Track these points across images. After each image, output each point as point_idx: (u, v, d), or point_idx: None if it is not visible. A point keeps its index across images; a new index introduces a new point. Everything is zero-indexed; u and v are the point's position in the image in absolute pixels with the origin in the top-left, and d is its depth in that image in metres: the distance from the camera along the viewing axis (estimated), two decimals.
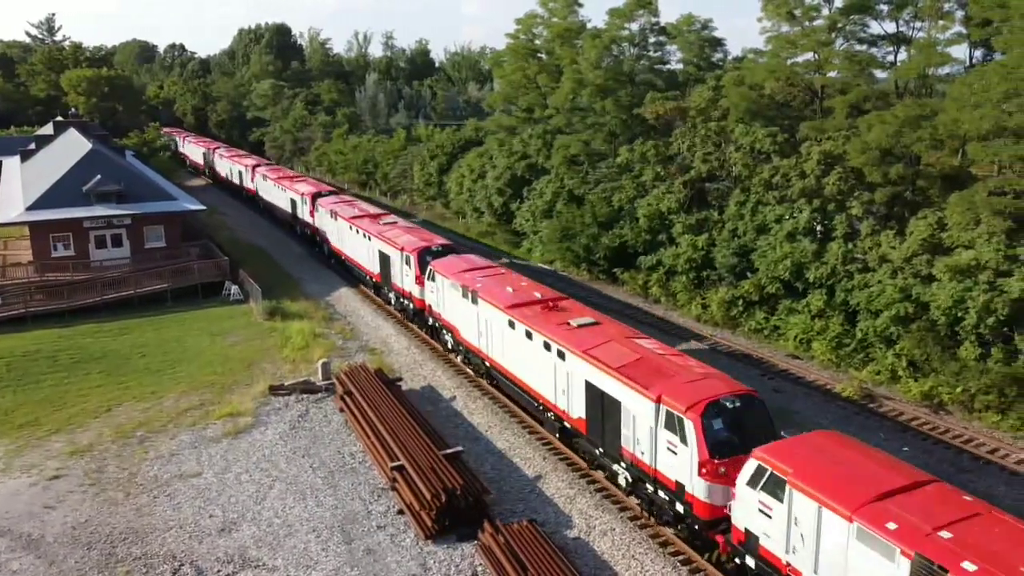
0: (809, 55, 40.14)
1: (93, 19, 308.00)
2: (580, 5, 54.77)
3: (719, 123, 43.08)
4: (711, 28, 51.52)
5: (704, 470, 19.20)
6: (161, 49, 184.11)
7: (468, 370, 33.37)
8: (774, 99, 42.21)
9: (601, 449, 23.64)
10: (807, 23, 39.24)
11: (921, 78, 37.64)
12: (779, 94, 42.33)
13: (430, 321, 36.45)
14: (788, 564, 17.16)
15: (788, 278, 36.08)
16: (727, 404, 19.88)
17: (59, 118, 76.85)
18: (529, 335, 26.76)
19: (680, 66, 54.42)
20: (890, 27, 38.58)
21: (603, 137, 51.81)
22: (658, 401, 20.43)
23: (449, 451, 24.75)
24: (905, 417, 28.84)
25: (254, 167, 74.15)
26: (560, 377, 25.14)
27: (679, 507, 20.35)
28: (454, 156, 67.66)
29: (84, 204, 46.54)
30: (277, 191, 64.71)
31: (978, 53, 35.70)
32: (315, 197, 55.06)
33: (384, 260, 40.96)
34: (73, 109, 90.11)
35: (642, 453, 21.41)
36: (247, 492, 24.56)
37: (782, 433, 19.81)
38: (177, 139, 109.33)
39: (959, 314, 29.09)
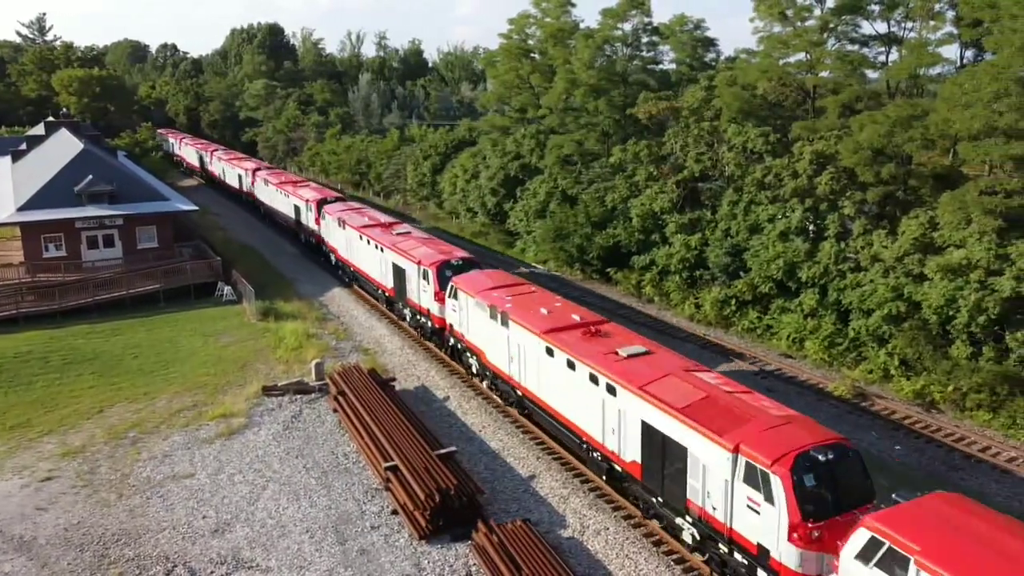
0: (801, 55, 40.35)
1: (84, 19, 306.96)
2: (573, 5, 54.94)
3: (712, 123, 43.20)
4: (703, 28, 51.89)
5: (795, 534, 16.78)
6: (153, 49, 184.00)
7: (496, 397, 30.61)
8: (766, 99, 42.39)
9: (660, 499, 20.97)
10: (799, 23, 39.42)
11: (912, 78, 37.84)
12: (771, 94, 42.51)
13: (451, 341, 33.69)
14: None
15: (781, 277, 36.20)
16: (819, 456, 17.27)
17: (50, 118, 76.62)
18: (571, 365, 24.02)
19: (673, 66, 54.72)
20: (881, 27, 38.85)
21: (596, 137, 51.93)
22: (736, 451, 17.91)
23: (443, 451, 24.74)
24: (897, 416, 28.98)
25: (254, 171, 71.04)
26: (610, 414, 22.45)
27: (761, 575, 18.02)
28: (447, 156, 67.66)
29: (76, 205, 46.40)
30: (280, 197, 61.74)
31: (969, 53, 35.90)
32: (321, 204, 52.19)
33: (398, 273, 38.15)
34: (64, 109, 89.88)
35: (714, 509, 18.86)
36: (240, 493, 24.51)
37: (895, 497, 16.90)
38: (174, 141, 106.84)
39: (951, 313, 29.24)
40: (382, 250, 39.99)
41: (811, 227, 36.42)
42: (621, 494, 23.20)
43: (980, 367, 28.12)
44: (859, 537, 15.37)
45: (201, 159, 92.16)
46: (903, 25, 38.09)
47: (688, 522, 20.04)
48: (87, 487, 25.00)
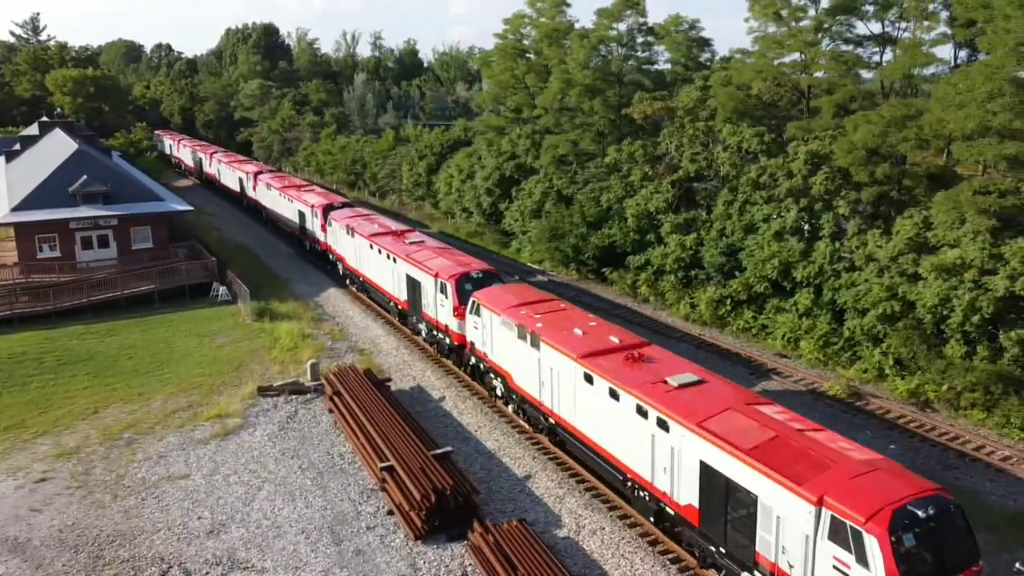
0: (796, 55, 40.42)
1: (78, 19, 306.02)
2: (568, 5, 54.97)
3: (707, 123, 43.27)
4: (698, 28, 51.95)
5: None
6: (147, 49, 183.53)
7: (523, 423, 28.43)
8: (761, 99, 42.44)
9: (722, 549, 18.79)
10: (794, 23, 39.49)
11: (907, 78, 37.98)
12: (766, 94, 42.57)
13: (472, 360, 31.64)
14: None
15: (776, 277, 36.28)
16: (919, 512, 15.34)
17: (44, 118, 76.36)
18: (615, 395, 21.94)
19: (668, 66, 54.75)
20: (876, 28, 38.99)
21: (591, 137, 51.94)
22: (819, 503, 15.89)
23: (439, 451, 24.75)
24: (892, 415, 29.05)
25: (256, 174, 68.60)
26: (661, 452, 20.34)
27: None
28: (443, 156, 67.65)
29: (70, 205, 46.28)
30: (283, 202, 59.34)
31: (963, 53, 36.07)
32: (327, 210, 50.02)
33: (413, 285, 36.08)
34: (59, 109, 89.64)
35: (790, 567, 16.72)
36: (236, 494, 24.47)
37: (1018, 567, 15.46)
38: (171, 142, 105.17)
39: (945, 312, 29.33)
40: (395, 260, 38.06)
41: (806, 227, 36.51)
42: (674, 540, 21.19)
43: (974, 366, 28.20)
44: None
45: (200, 162, 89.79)
46: (897, 25, 38.20)
47: None
48: (82, 488, 24.94)
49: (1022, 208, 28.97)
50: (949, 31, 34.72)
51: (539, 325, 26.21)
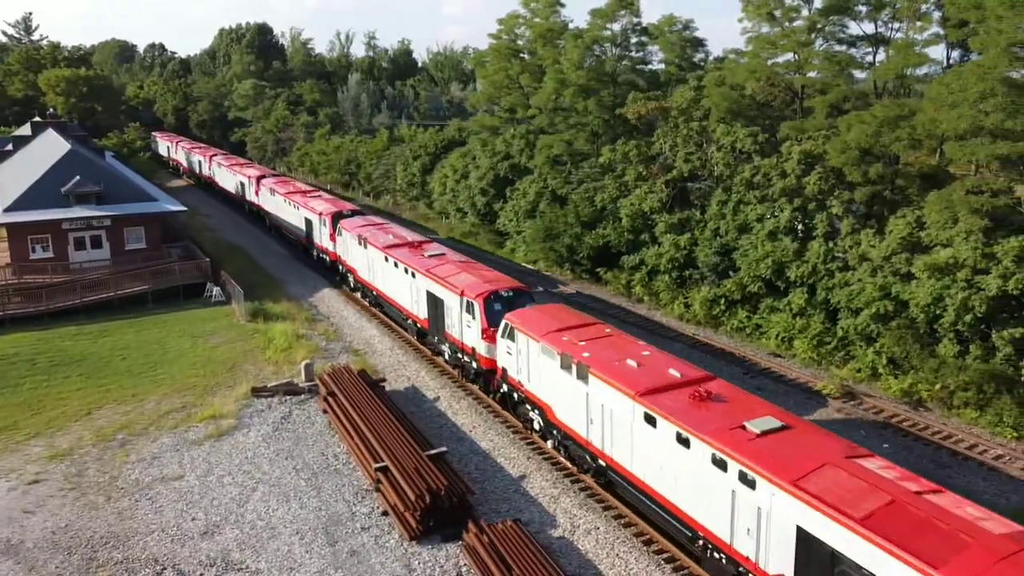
0: (789, 55, 40.58)
1: (71, 20, 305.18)
2: (562, 5, 55.05)
3: (700, 123, 43.35)
4: (692, 28, 52.23)
5: None
6: (141, 49, 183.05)
7: (565, 462, 25.63)
8: (755, 99, 42.58)
9: None
10: (787, 24, 39.65)
11: (899, 78, 38.14)
12: (760, 94, 42.72)
13: (504, 388, 28.87)
14: None
15: (770, 277, 36.37)
16: None
17: (37, 118, 76.18)
18: (684, 441, 19.30)
19: (662, 66, 54.98)
20: (869, 28, 39.15)
21: (585, 137, 52.00)
22: None
23: (433, 452, 24.74)
24: (885, 414, 29.14)
25: (258, 178, 65.57)
26: (744, 511, 17.83)
27: None
28: (437, 156, 67.61)
29: (63, 205, 46.17)
30: (288, 208, 55.82)
31: (955, 54, 36.17)
32: (336, 218, 46.86)
33: (434, 303, 33.30)
34: (51, 109, 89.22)
35: None
36: (230, 495, 24.42)
37: None
38: (168, 144, 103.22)
39: (938, 312, 29.43)
40: (413, 275, 35.20)
41: (799, 227, 36.61)
42: None
43: (967, 365, 28.31)
44: None
45: (199, 165, 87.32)
46: (890, 26, 38.42)
47: None
48: (75, 490, 24.85)
49: (1014, 208, 29.14)
50: (942, 31, 34.87)
51: (586, 355, 23.50)
